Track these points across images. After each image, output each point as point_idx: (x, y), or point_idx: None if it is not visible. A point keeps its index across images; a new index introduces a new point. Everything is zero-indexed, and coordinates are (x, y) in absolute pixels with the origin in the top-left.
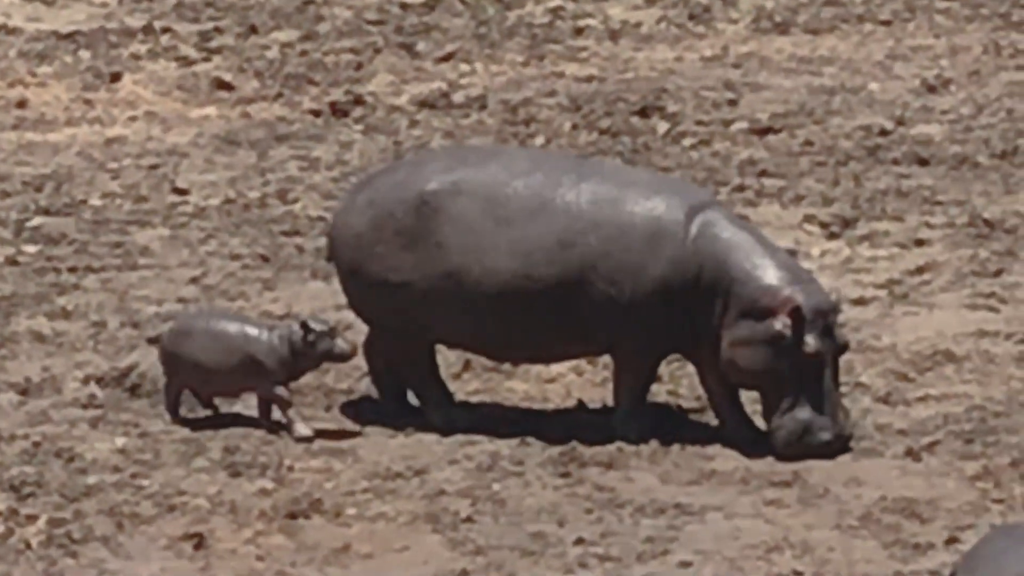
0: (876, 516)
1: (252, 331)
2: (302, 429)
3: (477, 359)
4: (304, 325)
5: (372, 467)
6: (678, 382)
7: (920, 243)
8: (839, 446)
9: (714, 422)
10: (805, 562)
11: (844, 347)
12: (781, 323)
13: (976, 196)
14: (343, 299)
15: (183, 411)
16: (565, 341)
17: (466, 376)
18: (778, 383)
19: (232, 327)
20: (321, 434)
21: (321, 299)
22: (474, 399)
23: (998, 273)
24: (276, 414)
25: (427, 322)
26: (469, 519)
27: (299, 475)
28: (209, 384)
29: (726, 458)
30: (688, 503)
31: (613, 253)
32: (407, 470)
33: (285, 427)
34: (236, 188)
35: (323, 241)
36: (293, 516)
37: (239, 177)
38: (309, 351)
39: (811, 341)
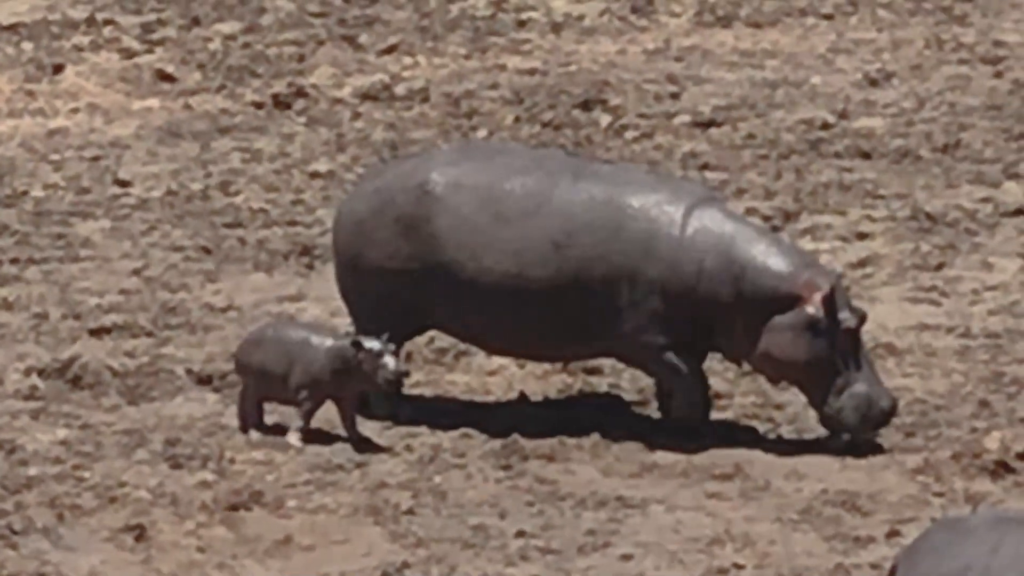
0: (817, 509)
1: (314, 340)
2: (293, 438)
3: (419, 351)
4: (356, 343)
5: (313, 459)
6: (620, 375)
7: (862, 236)
8: (895, 412)
9: (656, 414)
10: (746, 555)
11: (864, 317)
12: (814, 307)
13: (918, 190)
14: (285, 291)
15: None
16: (561, 341)
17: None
18: (822, 367)
19: (294, 335)
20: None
21: (263, 291)
22: (416, 391)
23: (940, 267)
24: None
25: (422, 310)
26: (410, 511)
27: (240, 467)
28: (276, 392)
29: (668, 451)
30: (629, 496)
31: (608, 254)
32: (348, 462)
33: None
34: (178, 180)
35: (266, 233)
36: (234, 508)
37: (181, 169)
38: (356, 369)
39: (848, 316)
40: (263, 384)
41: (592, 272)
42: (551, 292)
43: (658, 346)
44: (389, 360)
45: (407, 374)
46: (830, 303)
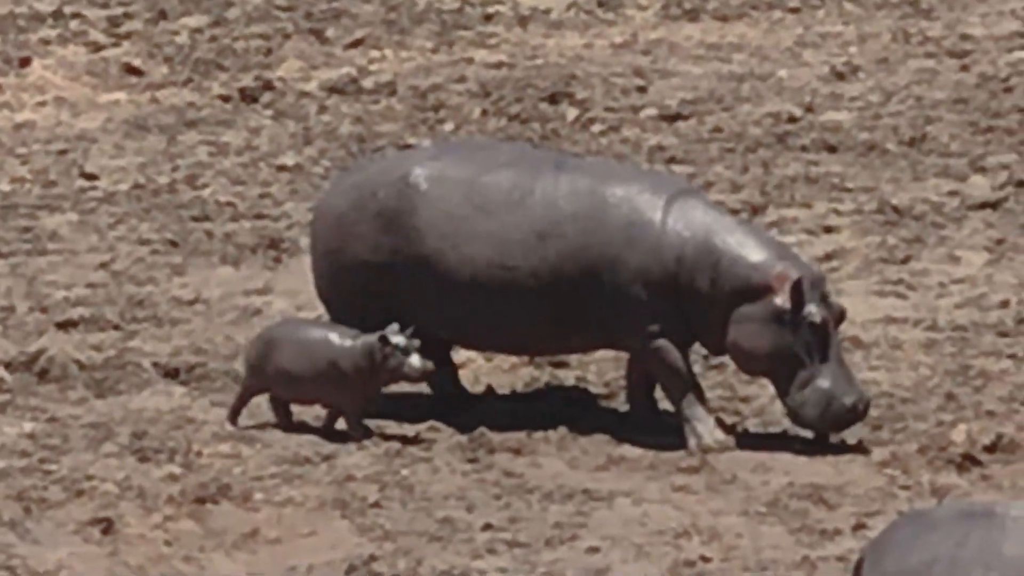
0: (784, 502)
1: (335, 339)
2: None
3: None
4: (382, 338)
5: (280, 452)
6: (586, 368)
7: (828, 230)
8: (863, 410)
9: (623, 407)
10: (713, 548)
11: (843, 314)
12: (781, 298)
13: (884, 183)
14: (252, 284)
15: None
16: (546, 334)
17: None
18: (788, 360)
19: (316, 334)
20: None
21: (230, 284)
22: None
23: (906, 260)
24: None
25: (403, 305)
26: (377, 504)
27: (207, 460)
28: (292, 390)
29: (634, 444)
30: (596, 489)
31: (591, 245)
32: (315, 455)
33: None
34: (145, 173)
35: (233, 226)
36: (201, 501)
37: (148, 162)
38: (382, 365)
39: (815, 311)
40: (283, 386)
41: (575, 262)
42: (535, 282)
43: (647, 333)
44: (415, 357)
45: (433, 372)
46: (797, 295)
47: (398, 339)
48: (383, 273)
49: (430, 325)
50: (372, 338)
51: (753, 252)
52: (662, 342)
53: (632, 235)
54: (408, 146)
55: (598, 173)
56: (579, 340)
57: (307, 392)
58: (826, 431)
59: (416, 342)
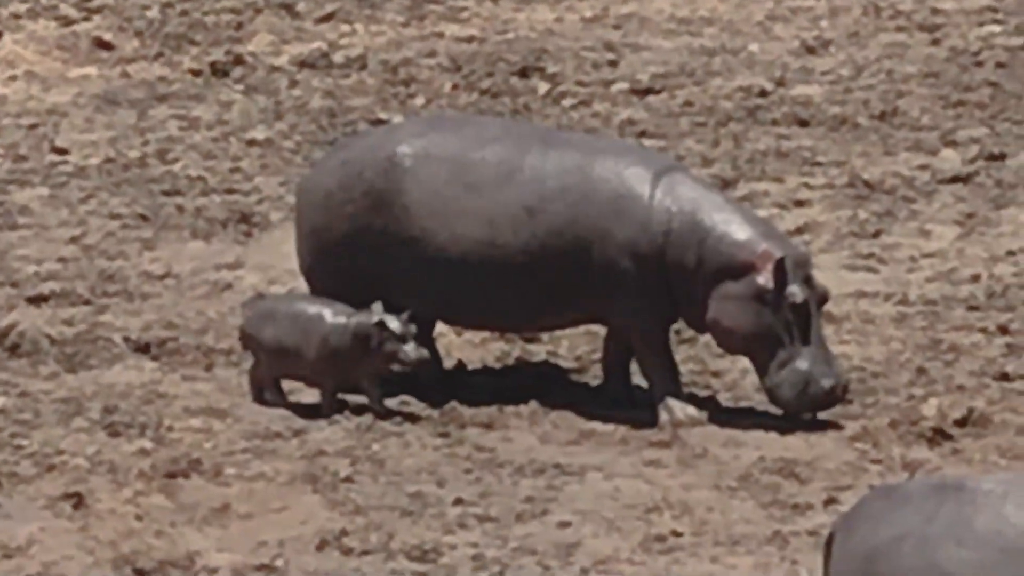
0: (755, 477)
1: (328, 315)
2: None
3: None
4: (380, 323)
5: (251, 427)
6: (558, 343)
7: (800, 204)
8: (840, 394)
9: (594, 382)
10: (684, 522)
11: (826, 296)
12: (764, 277)
13: (855, 157)
14: (223, 259)
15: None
16: (536, 310)
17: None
18: (769, 339)
19: (311, 309)
20: (200, 395)
21: (201, 259)
22: None
23: (877, 234)
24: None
25: (391, 284)
26: (348, 479)
27: (178, 435)
28: (284, 367)
29: (605, 419)
30: (567, 463)
31: (580, 219)
32: (286, 430)
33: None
34: (116, 148)
35: (204, 201)
36: (172, 476)
37: (119, 137)
38: (377, 350)
39: (797, 290)
40: (276, 360)
41: (564, 236)
42: (524, 258)
43: (632, 307)
44: (411, 345)
45: (427, 362)
46: (780, 275)
47: (395, 325)
48: (370, 252)
49: (417, 303)
50: (368, 320)
51: (739, 230)
52: (644, 316)
53: (621, 209)
54: (385, 122)
55: (586, 148)
56: (565, 315)
57: (295, 367)
58: (803, 412)
59: (412, 329)
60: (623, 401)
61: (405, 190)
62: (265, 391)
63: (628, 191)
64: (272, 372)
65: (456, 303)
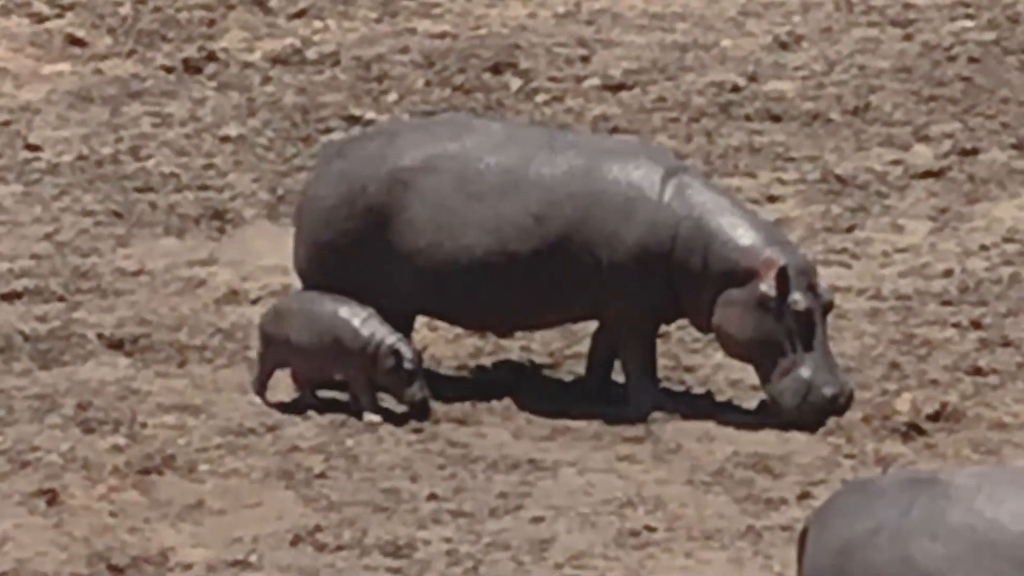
0: (728, 471)
1: (344, 316)
2: (372, 416)
3: None
4: (395, 351)
5: (225, 423)
6: (531, 338)
7: (773, 199)
8: (844, 402)
9: (567, 378)
10: (658, 517)
11: (830, 304)
12: (767, 285)
13: (828, 152)
14: (196, 255)
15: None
16: (544, 311)
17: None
18: (771, 346)
19: (327, 308)
20: (173, 391)
21: (175, 255)
22: None
23: (850, 229)
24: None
25: (396, 295)
26: (322, 475)
27: (152, 431)
28: (303, 365)
29: (579, 414)
30: (541, 459)
31: (589, 222)
32: (260, 426)
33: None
34: (89, 144)
35: (177, 197)
36: (146, 472)
37: (92, 133)
38: (385, 372)
39: (800, 298)
40: (287, 356)
41: (573, 240)
42: (533, 263)
43: (634, 308)
44: (416, 386)
45: (427, 407)
46: (782, 282)
47: (408, 360)
48: (373, 265)
49: (420, 309)
50: (386, 341)
51: (743, 235)
52: (644, 315)
53: (630, 211)
54: (359, 119)
55: (592, 150)
56: (568, 314)
57: (318, 367)
58: (804, 421)
59: (421, 369)
60: (599, 396)
61: (408, 205)
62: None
63: (638, 193)
64: (301, 372)
65: (460, 307)
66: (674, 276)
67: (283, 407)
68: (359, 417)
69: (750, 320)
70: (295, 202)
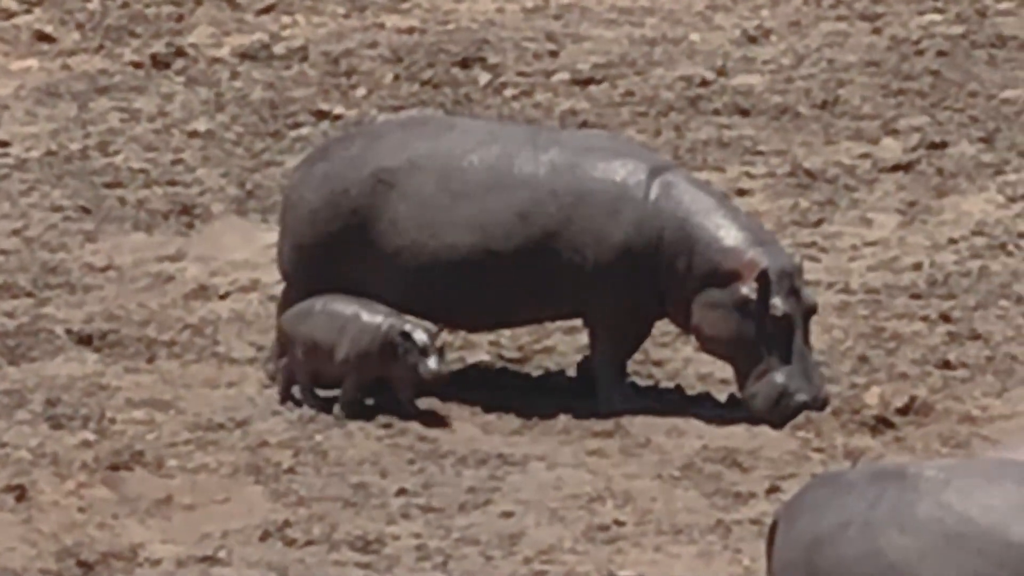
0: (698, 466)
1: (363, 316)
2: (336, 411)
3: None
4: (404, 333)
5: (194, 419)
6: (500, 333)
7: (741, 193)
8: (817, 408)
9: (536, 373)
10: (627, 512)
11: (812, 308)
12: (748, 287)
13: (797, 146)
14: (164, 251)
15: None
16: (528, 309)
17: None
18: (748, 349)
19: (347, 309)
20: (142, 386)
21: (143, 251)
22: None
23: (819, 223)
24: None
25: (377, 294)
26: (291, 470)
27: (121, 427)
28: (324, 365)
29: (548, 408)
30: (510, 453)
31: (574, 220)
32: (229, 421)
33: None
34: (57, 140)
35: (145, 193)
36: (115, 468)
37: (60, 129)
38: (401, 358)
39: (779, 303)
40: (310, 358)
41: (558, 238)
42: (518, 262)
43: (618, 306)
44: (432, 360)
45: (446, 376)
46: (763, 286)
47: (420, 336)
48: (359, 266)
49: (405, 308)
50: (397, 327)
51: (727, 236)
52: (626, 313)
53: (616, 210)
54: (327, 114)
55: (577, 147)
56: (553, 312)
57: (327, 367)
58: (777, 424)
59: (439, 344)
60: (584, 392)
61: (393, 207)
62: (298, 390)
63: (623, 192)
64: (307, 370)
65: (445, 308)
66: (659, 276)
67: (251, 404)
68: (406, 416)
69: (729, 322)
70: (264, 197)
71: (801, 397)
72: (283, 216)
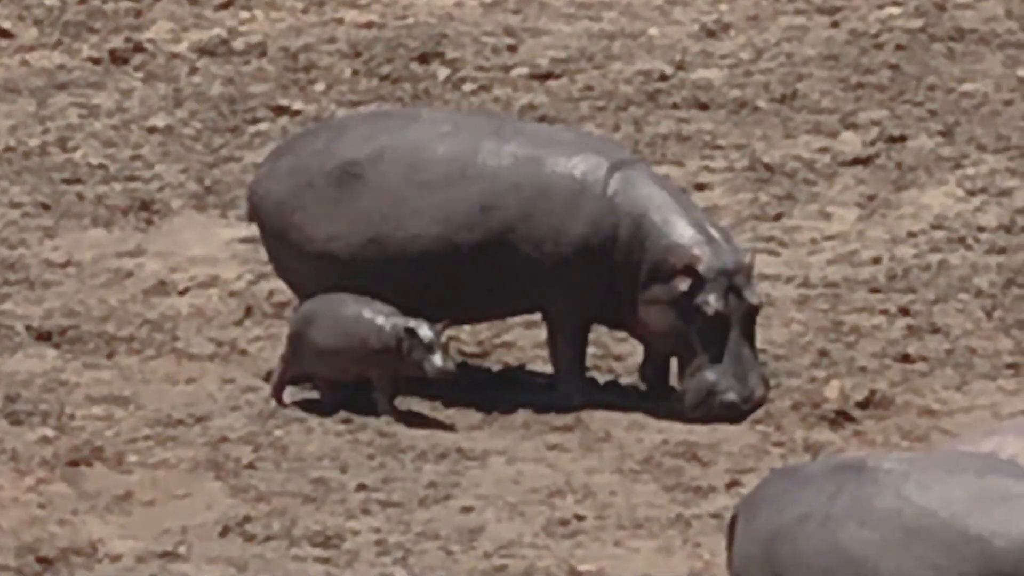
0: (657, 460)
1: (368, 316)
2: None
3: (258, 305)
4: (408, 330)
5: (153, 414)
6: (460, 328)
7: (701, 187)
8: (748, 409)
9: (495, 367)
10: (587, 506)
11: (753, 308)
12: (684, 283)
13: (756, 140)
14: (124, 247)
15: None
16: (491, 303)
17: (247, 323)
18: (686, 345)
19: (350, 311)
20: (102, 382)
21: (102, 246)
22: (254, 346)
23: (778, 217)
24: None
25: (352, 287)
26: (251, 466)
27: (80, 423)
28: (329, 368)
29: (508, 403)
30: (470, 448)
31: (534, 214)
32: (188, 417)
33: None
34: (16, 136)
35: (104, 188)
36: (75, 464)
37: (19, 125)
38: (407, 355)
39: (712, 301)
40: (314, 359)
41: (518, 232)
42: (479, 254)
43: (576, 302)
44: (438, 356)
45: (452, 372)
46: (695, 282)
47: (425, 333)
48: (328, 258)
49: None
50: (401, 324)
51: (676, 233)
52: (584, 310)
53: (574, 206)
54: (286, 109)
55: (540, 140)
56: (513, 307)
57: (339, 368)
58: (706, 422)
59: (443, 340)
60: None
61: (358, 197)
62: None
63: (582, 187)
64: (320, 372)
65: (411, 301)
66: (615, 273)
67: (211, 399)
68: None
69: (667, 318)
70: (223, 193)
71: (730, 396)
72: (255, 212)
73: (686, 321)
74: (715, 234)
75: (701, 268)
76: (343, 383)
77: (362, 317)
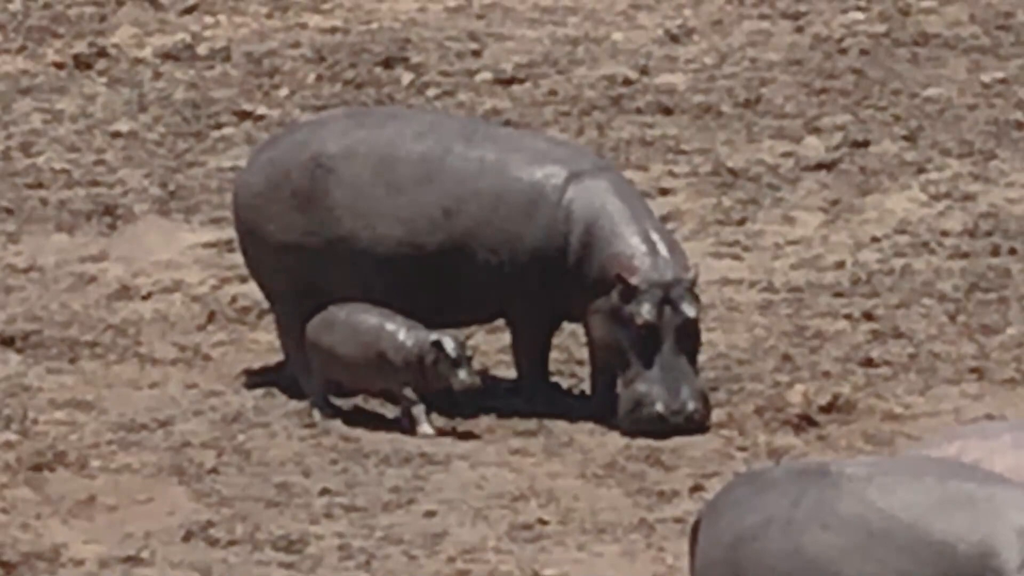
0: (621, 464)
1: (388, 327)
2: (426, 428)
3: (222, 310)
4: (436, 343)
5: (117, 419)
6: None
7: (664, 192)
8: (677, 422)
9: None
10: (550, 511)
11: (691, 321)
12: (618, 293)
13: (720, 145)
14: (87, 251)
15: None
16: (452, 309)
17: (211, 328)
18: (622, 355)
19: (370, 321)
20: (65, 387)
21: (66, 252)
22: (218, 351)
23: (742, 221)
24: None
25: (318, 285)
26: (214, 470)
27: (43, 427)
28: (347, 377)
29: (471, 408)
30: (433, 452)
31: (493, 221)
32: (152, 422)
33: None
34: None
35: (68, 193)
36: (37, 468)
37: None
38: (431, 368)
39: (643, 312)
40: (332, 368)
41: (478, 238)
42: (441, 260)
43: (534, 310)
44: (463, 371)
45: (476, 388)
46: (625, 292)
47: (451, 348)
48: (300, 252)
49: (344, 297)
50: (426, 338)
51: (621, 243)
52: (543, 317)
53: (531, 213)
54: (250, 114)
55: (505, 146)
56: (475, 313)
57: (359, 380)
58: (635, 433)
59: (469, 354)
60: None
61: (330, 192)
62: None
63: (539, 195)
64: (333, 381)
65: (378, 301)
66: (570, 281)
67: (174, 404)
68: (413, 432)
69: (605, 327)
70: (187, 197)
71: (658, 408)
72: (233, 209)
73: (621, 331)
74: (660, 245)
75: (635, 279)
76: (369, 395)
77: (384, 329)
